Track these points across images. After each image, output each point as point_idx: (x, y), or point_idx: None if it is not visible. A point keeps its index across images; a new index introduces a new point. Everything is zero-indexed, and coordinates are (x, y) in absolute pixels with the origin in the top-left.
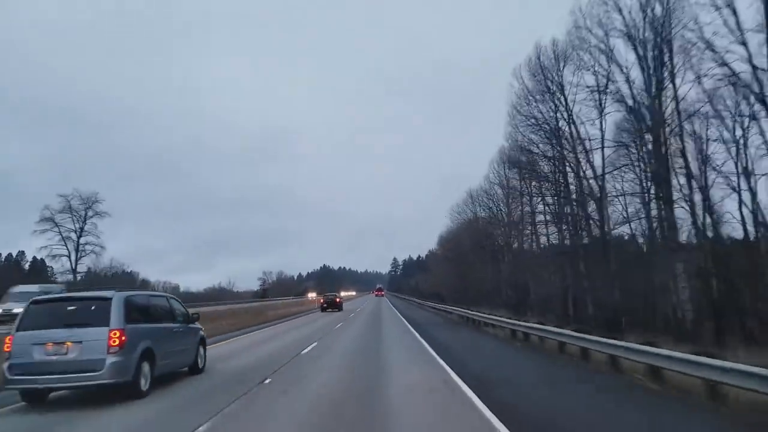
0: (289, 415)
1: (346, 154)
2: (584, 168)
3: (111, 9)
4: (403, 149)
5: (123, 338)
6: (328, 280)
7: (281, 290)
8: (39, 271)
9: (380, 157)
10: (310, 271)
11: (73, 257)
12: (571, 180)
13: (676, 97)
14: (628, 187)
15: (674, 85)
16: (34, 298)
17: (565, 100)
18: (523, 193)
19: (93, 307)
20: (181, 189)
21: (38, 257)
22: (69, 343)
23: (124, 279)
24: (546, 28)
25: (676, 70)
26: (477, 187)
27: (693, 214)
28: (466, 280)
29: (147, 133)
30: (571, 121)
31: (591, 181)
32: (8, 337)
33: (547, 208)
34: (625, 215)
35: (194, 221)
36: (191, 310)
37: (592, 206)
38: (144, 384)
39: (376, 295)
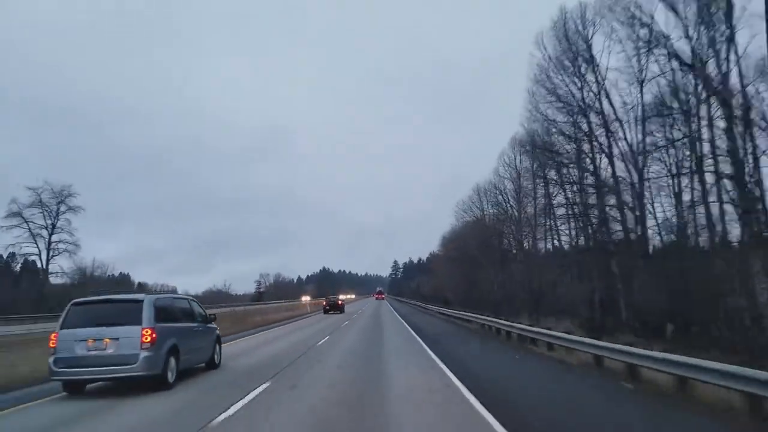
0: (299, 402)
1: (346, 155)
2: (621, 148)
3: (111, 9)
4: (404, 150)
5: (153, 336)
6: (328, 282)
7: (279, 293)
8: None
9: (380, 158)
10: (309, 274)
11: (43, 256)
12: (600, 164)
13: (738, 58)
14: (659, 170)
15: (734, 43)
16: (74, 300)
17: (595, 68)
18: (538, 184)
19: (127, 308)
20: (179, 189)
21: (4, 255)
22: (107, 340)
23: (119, 281)
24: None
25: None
26: (485, 182)
27: None
28: (473, 282)
29: (145, 133)
30: (601, 92)
31: (624, 164)
32: (53, 334)
33: (567, 200)
34: (670, 202)
35: (193, 222)
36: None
37: (617, 196)
38: (171, 377)
39: (376, 299)
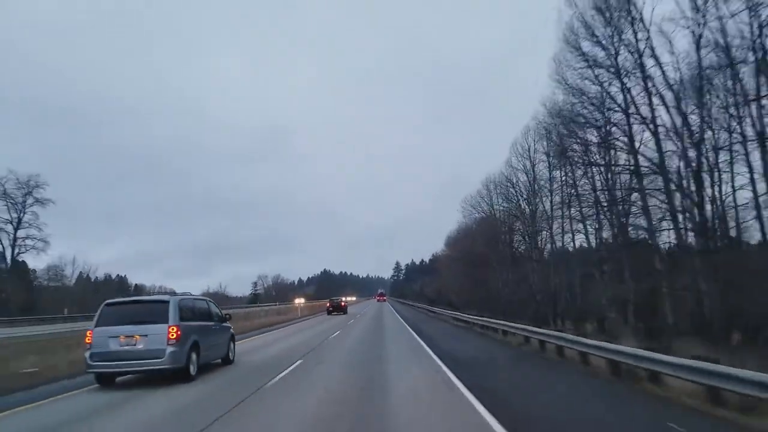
0: (308, 391)
1: (346, 155)
2: (671, 121)
3: (110, 9)
4: (405, 150)
5: (178, 333)
6: (330, 285)
7: (278, 295)
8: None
9: (381, 159)
10: (310, 276)
11: (8, 253)
12: (642, 140)
13: None
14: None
15: None
16: (107, 301)
17: (637, 23)
18: (557, 173)
19: (154, 308)
20: (178, 190)
21: None
22: (137, 336)
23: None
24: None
25: None
26: (496, 174)
27: None
28: (481, 283)
29: (142, 133)
30: (645, 51)
31: (677, 138)
32: (89, 332)
33: (593, 188)
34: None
35: (192, 223)
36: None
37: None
38: (193, 370)
39: (378, 301)
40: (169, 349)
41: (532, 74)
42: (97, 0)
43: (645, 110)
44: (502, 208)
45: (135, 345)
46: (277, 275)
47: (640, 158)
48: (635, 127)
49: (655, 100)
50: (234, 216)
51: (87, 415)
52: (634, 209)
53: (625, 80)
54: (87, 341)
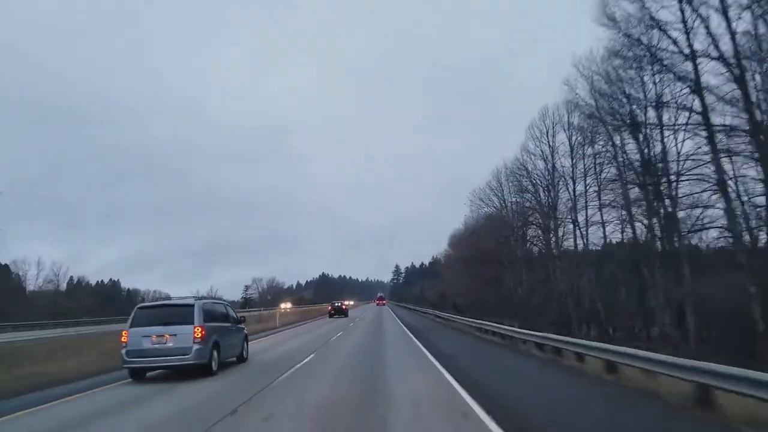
0: (316, 384)
1: (345, 157)
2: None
3: (110, 9)
4: (405, 151)
5: (203, 332)
6: (328, 288)
7: (273, 300)
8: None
9: (381, 160)
10: (309, 279)
11: None
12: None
13: None
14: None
15: None
16: (140, 305)
17: None
18: (581, 146)
19: (182, 311)
20: (176, 191)
21: None
22: (167, 336)
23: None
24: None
25: None
26: (511, 161)
27: None
28: (493, 284)
29: (140, 133)
30: None
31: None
32: (124, 332)
33: (620, 174)
34: None
35: (190, 225)
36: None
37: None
38: (214, 366)
39: (377, 305)
40: (195, 347)
41: (532, 74)
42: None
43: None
44: (515, 200)
45: (165, 343)
46: (272, 278)
47: (714, 116)
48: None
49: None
50: (232, 217)
51: (128, 404)
52: (692, 187)
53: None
54: (123, 340)
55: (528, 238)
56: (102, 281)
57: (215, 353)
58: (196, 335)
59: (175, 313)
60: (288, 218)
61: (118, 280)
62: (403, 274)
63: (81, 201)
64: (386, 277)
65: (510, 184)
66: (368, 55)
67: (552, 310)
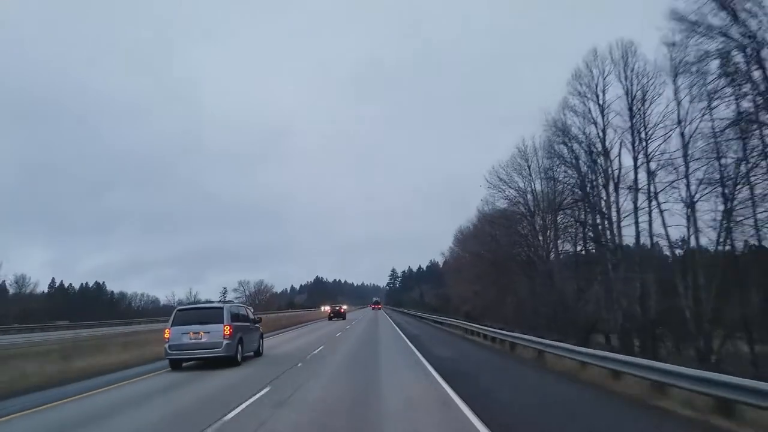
0: (326, 371)
1: (340, 160)
2: None
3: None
4: (402, 155)
5: (231, 330)
6: (323, 292)
7: (263, 305)
8: None
9: (377, 164)
10: (303, 284)
11: None
12: None
13: None
14: None
15: None
16: (179, 308)
17: None
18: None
19: (213, 312)
20: (169, 196)
21: None
22: (202, 333)
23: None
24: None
25: None
26: (537, 136)
27: None
28: (516, 287)
29: (128, 136)
30: None
31: None
32: (167, 330)
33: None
34: None
35: (182, 230)
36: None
37: None
38: (239, 358)
39: (373, 309)
40: (225, 342)
41: (533, 80)
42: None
43: None
44: (552, 177)
45: (200, 339)
46: (259, 281)
47: None
48: None
49: None
50: (224, 221)
51: (175, 385)
52: None
53: None
54: (166, 336)
55: (565, 228)
56: (87, 284)
57: (240, 347)
58: (225, 332)
59: (208, 314)
60: (282, 222)
61: (103, 282)
62: (399, 279)
63: (70, 204)
64: (383, 281)
65: (538, 159)
66: (363, 60)
67: (607, 322)
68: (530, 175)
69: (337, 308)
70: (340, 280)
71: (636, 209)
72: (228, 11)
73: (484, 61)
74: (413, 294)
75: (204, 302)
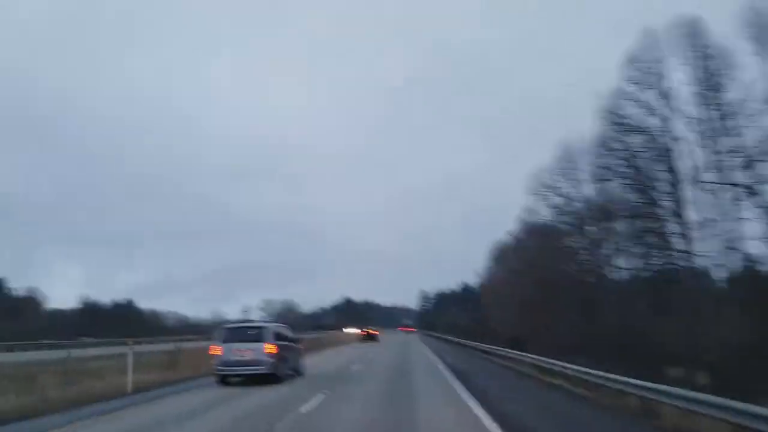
0: (363, 392)
1: (367, 178)
2: None
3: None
4: (436, 173)
5: (275, 349)
6: (352, 314)
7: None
8: None
9: (410, 182)
10: (331, 305)
11: None
12: None
13: None
14: None
15: None
16: (227, 326)
17: None
18: None
19: (258, 331)
20: (194, 215)
21: None
22: (248, 350)
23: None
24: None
25: None
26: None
27: None
28: (566, 312)
29: (145, 154)
30: None
31: None
32: (217, 347)
33: None
34: None
35: (209, 250)
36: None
37: None
38: (282, 375)
39: (404, 331)
40: (270, 360)
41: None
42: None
43: None
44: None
45: (246, 356)
46: (286, 300)
47: None
48: None
49: None
50: (248, 240)
51: (226, 398)
52: None
53: None
54: (216, 353)
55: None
56: (117, 302)
57: (282, 365)
58: (270, 350)
59: (253, 333)
60: (308, 242)
61: (132, 301)
62: (432, 300)
63: (98, 225)
64: (412, 302)
65: (592, 159)
66: (393, 75)
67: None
68: (579, 180)
69: (368, 331)
70: (370, 300)
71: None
72: None
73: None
74: (446, 316)
75: (248, 321)
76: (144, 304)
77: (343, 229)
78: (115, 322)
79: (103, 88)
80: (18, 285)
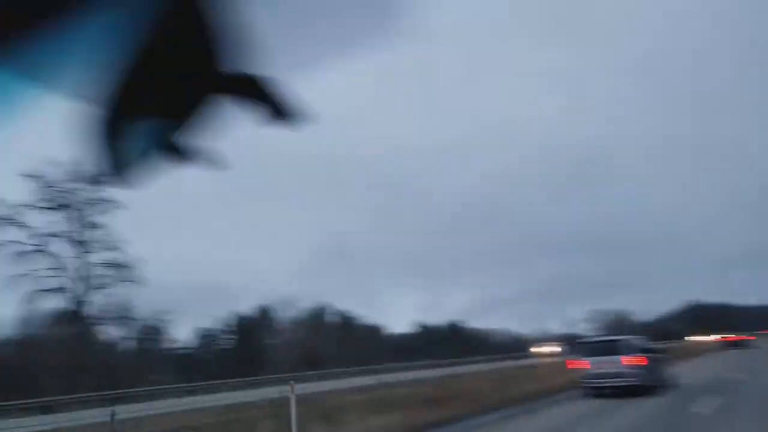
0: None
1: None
2: None
3: None
4: None
5: (645, 361)
6: (704, 318)
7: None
8: None
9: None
10: (669, 311)
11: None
12: None
13: None
14: None
15: None
16: (584, 341)
17: None
18: None
19: (620, 344)
20: (509, 234)
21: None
22: (615, 363)
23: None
24: None
25: None
26: None
27: None
28: None
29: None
30: None
31: None
32: (584, 361)
33: None
34: None
35: (526, 266)
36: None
37: None
38: (655, 386)
39: None
40: (641, 372)
41: None
42: None
43: None
44: None
45: (614, 369)
46: (620, 310)
47: None
48: None
49: None
50: (568, 252)
51: (598, 412)
52: None
53: None
54: (583, 367)
55: None
56: (452, 322)
57: (649, 376)
58: (635, 362)
59: (616, 346)
60: (631, 247)
61: (458, 321)
62: None
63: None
64: None
65: None
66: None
67: None
68: None
69: (734, 338)
70: (724, 302)
71: None
72: None
73: None
74: None
75: (605, 335)
76: (474, 323)
77: (680, 229)
78: (448, 342)
79: None
80: (364, 314)
